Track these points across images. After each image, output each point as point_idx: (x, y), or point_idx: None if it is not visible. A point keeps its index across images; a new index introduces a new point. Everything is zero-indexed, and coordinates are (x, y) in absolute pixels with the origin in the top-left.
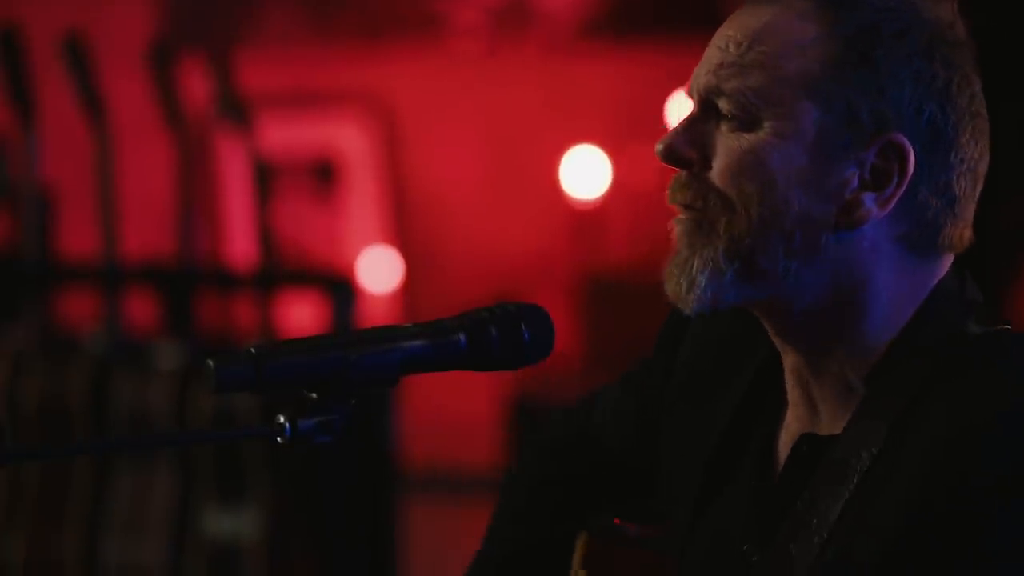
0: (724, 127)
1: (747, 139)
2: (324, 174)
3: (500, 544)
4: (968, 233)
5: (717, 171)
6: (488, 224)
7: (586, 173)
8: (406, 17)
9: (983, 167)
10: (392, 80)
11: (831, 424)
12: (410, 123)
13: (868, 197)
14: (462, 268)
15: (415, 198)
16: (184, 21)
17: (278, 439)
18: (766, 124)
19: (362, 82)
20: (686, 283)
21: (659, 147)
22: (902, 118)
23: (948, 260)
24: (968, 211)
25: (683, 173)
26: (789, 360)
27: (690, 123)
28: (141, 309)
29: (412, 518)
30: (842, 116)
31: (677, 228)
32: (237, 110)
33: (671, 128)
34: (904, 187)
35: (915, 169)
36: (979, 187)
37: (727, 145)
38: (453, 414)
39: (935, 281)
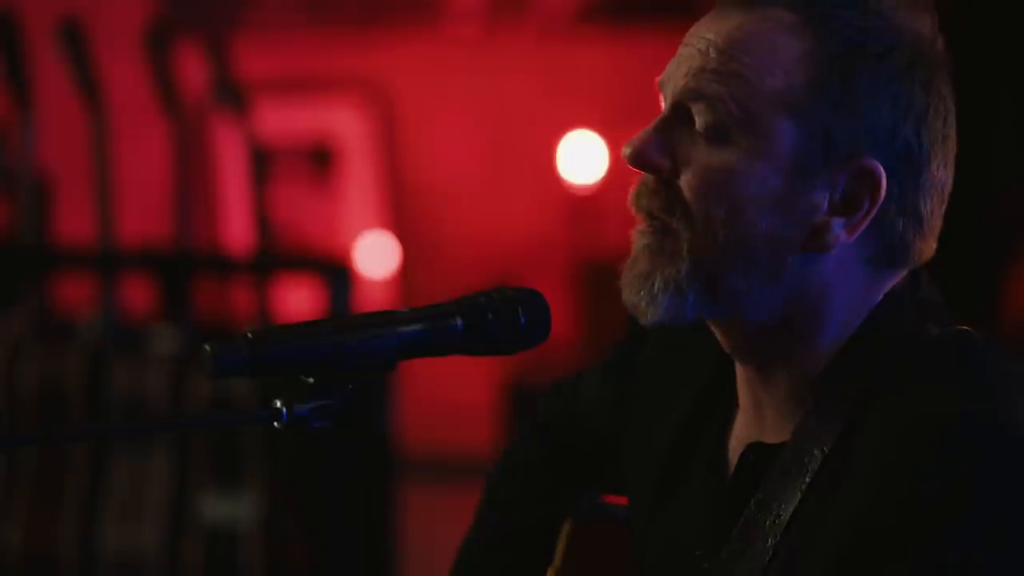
0: (697, 137)
1: (719, 156)
2: (321, 159)
3: (487, 528)
4: (932, 247)
5: (686, 184)
6: (485, 209)
7: (583, 158)
8: (403, 2)
9: (949, 187)
10: (389, 65)
11: (778, 431)
12: (407, 108)
13: (837, 223)
14: (459, 253)
15: (412, 183)
16: (181, 6)
17: (275, 424)
18: (740, 141)
19: (359, 67)
20: (647, 298)
21: (627, 151)
22: (877, 142)
23: (905, 270)
24: (933, 229)
25: (651, 179)
26: (739, 368)
27: (661, 127)
28: (138, 294)
29: (409, 503)
30: (818, 138)
31: (638, 240)
32: (234, 95)
33: (641, 131)
34: (874, 213)
35: (885, 193)
36: (944, 206)
37: (698, 159)
38: (450, 399)
39: (889, 288)
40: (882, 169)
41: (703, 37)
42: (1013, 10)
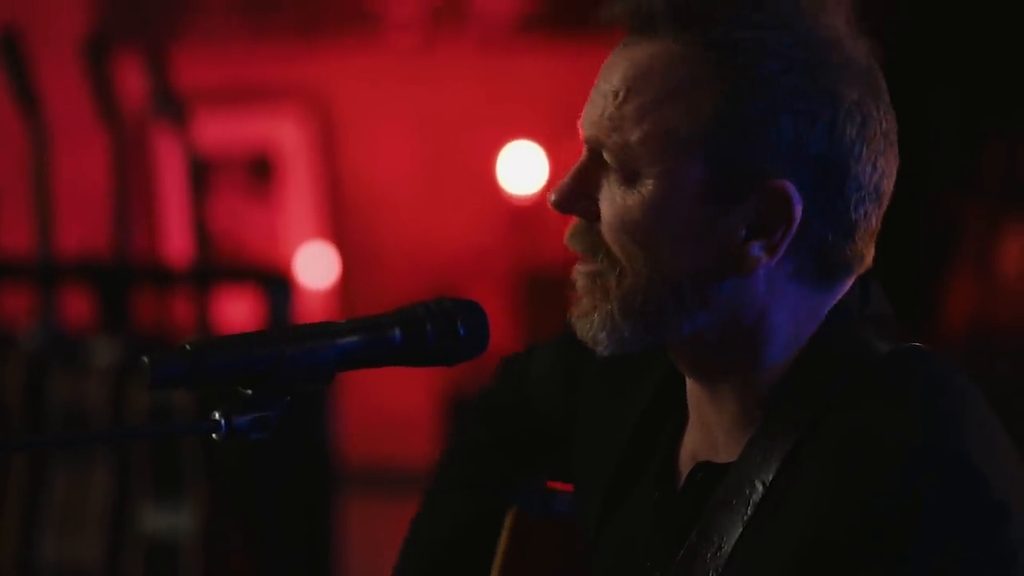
0: (610, 177)
1: (629, 196)
2: (261, 170)
3: (438, 511)
4: (869, 253)
5: (605, 226)
6: (425, 220)
7: (523, 169)
8: (343, 12)
9: (887, 182)
10: (329, 76)
11: (728, 449)
12: (347, 119)
13: (756, 246)
14: (399, 264)
15: (352, 194)
16: (120, 16)
17: (213, 436)
18: (647, 180)
19: (299, 78)
20: (592, 335)
21: (551, 197)
22: (784, 161)
23: (847, 283)
24: (868, 233)
25: (579, 221)
26: (689, 383)
27: (580, 171)
28: (77, 305)
29: (349, 514)
30: (723, 168)
31: (578, 281)
32: (173, 106)
33: (565, 175)
34: (792, 232)
35: (805, 208)
36: (884, 202)
37: (611, 199)
38: (390, 410)
39: (833, 303)
40: (793, 188)
41: (605, 79)
42: (949, 12)
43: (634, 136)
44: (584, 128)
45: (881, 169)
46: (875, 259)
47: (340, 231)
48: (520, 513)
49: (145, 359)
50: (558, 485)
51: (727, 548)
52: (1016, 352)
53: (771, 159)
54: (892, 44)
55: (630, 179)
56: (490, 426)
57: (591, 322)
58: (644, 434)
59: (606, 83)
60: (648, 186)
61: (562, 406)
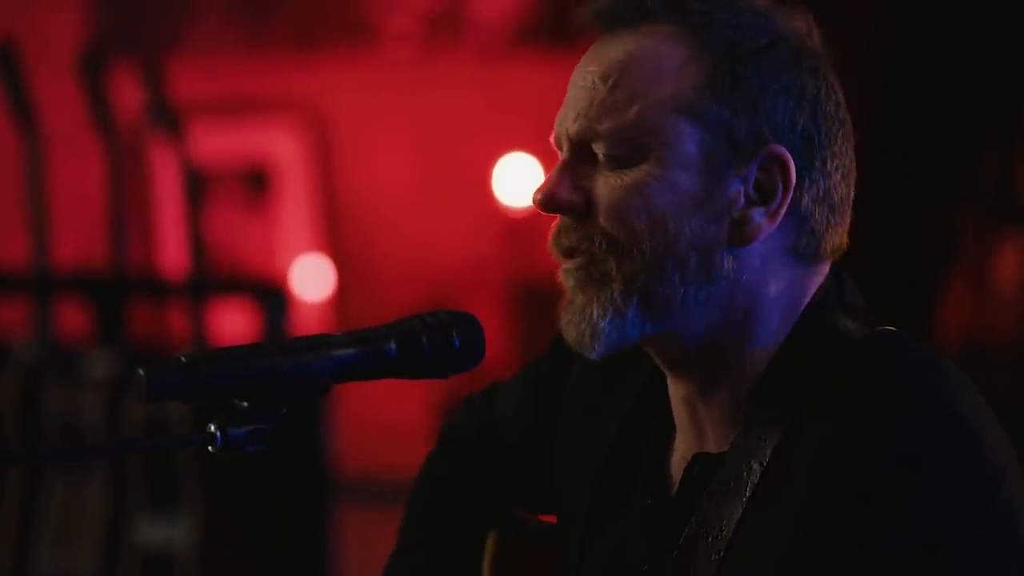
0: (603, 167)
1: (629, 175)
2: (257, 182)
3: (411, 548)
4: (845, 236)
5: (603, 213)
6: (421, 232)
7: (519, 180)
8: (339, 24)
9: (853, 173)
10: (325, 87)
11: (720, 443)
12: (343, 131)
13: (757, 212)
14: (395, 276)
15: (348, 206)
16: (116, 27)
17: (209, 448)
18: (645, 156)
19: (295, 89)
20: (589, 331)
21: (537, 196)
22: (778, 130)
23: (827, 266)
24: (846, 216)
25: (566, 220)
26: (677, 389)
27: (565, 168)
28: (73, 317)
29: (345, 524)
30: (721, 135)
31: (568, 280)
32: (169, 117)
33: (546, 177)
34: (789, 197)
35: (796, 179)
36: (852, 193)
37: (609, 185)
38: (386, 420)
39: (815, 288)
40: (788, 154)
41: (587, 72)
42: (945, 24)
43: (629, 116)
44: (566, 126)
45: (851, 156)
46: (872, 269)
47: (336, 243)
48: (500, 538)
49: (141, 372)
50: (535, 517)
51: (728, 531)
52: (1012, 362)
53: (765, 128)
54: (888, 56)
55: (627, 161)
56: (454, 461)
57: (590, 313)
58: (627, 447)
59: (590, 76)
60: (648, 162)
61: (537, 437)
